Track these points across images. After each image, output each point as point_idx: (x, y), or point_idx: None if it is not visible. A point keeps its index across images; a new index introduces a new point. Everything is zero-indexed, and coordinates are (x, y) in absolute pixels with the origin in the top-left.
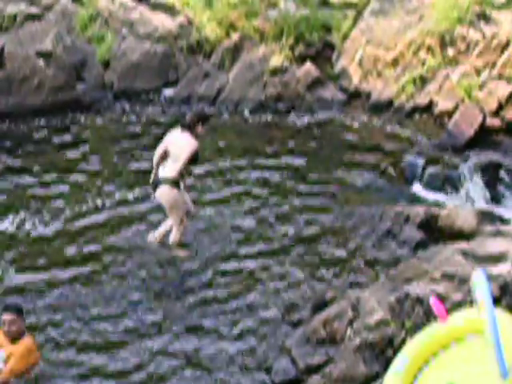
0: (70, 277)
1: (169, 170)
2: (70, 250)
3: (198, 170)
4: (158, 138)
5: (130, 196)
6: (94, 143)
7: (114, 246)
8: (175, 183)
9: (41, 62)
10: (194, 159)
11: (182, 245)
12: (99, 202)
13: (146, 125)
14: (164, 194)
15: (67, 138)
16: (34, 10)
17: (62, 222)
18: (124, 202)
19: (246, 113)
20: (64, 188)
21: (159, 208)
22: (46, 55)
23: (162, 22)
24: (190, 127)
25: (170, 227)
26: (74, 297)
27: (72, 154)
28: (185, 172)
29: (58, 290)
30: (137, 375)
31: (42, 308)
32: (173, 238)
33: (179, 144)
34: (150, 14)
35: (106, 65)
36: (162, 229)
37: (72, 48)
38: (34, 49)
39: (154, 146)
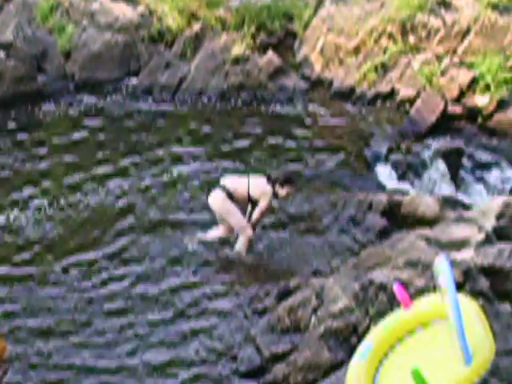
0: None
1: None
2: None
3: None
4: (119, 131)
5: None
6: (55, 134)
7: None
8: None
9: (1, 54)
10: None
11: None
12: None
13: (106, 116)
14: None
15: (28, 129)
16: None
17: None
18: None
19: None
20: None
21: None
22: (7, 46)
23: (123, 11)
24: (273, 182)
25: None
26: None
27: (34, 145)
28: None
29: None
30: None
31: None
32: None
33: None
34: (111, 4)
35: (67, 55)
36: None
37: (33, 39)
38: None
39: (115, 139)
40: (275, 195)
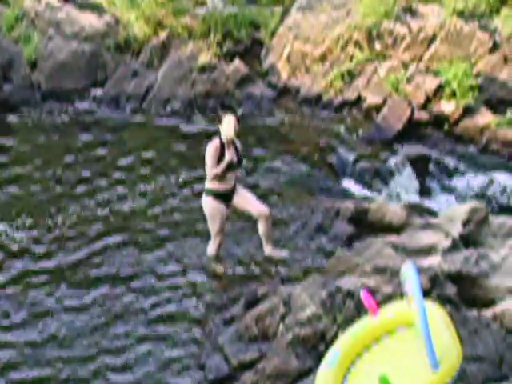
0: None
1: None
2: None
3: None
4: (86, 140)
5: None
6: (21, 143)
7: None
8: (206, 192)
9: None
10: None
11: (217, 258)
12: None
13: (73, 125)
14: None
15: None
16: None
17: None
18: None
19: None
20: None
21: None
22: None
23: (89, 21)
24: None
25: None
26: None
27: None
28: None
29: None
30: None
31: None
32: (208, 249)
33: None
34: (77, 13)
35: (33, 65)
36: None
37: None
38: None
39: (82, 148)
40: (225, 141)
